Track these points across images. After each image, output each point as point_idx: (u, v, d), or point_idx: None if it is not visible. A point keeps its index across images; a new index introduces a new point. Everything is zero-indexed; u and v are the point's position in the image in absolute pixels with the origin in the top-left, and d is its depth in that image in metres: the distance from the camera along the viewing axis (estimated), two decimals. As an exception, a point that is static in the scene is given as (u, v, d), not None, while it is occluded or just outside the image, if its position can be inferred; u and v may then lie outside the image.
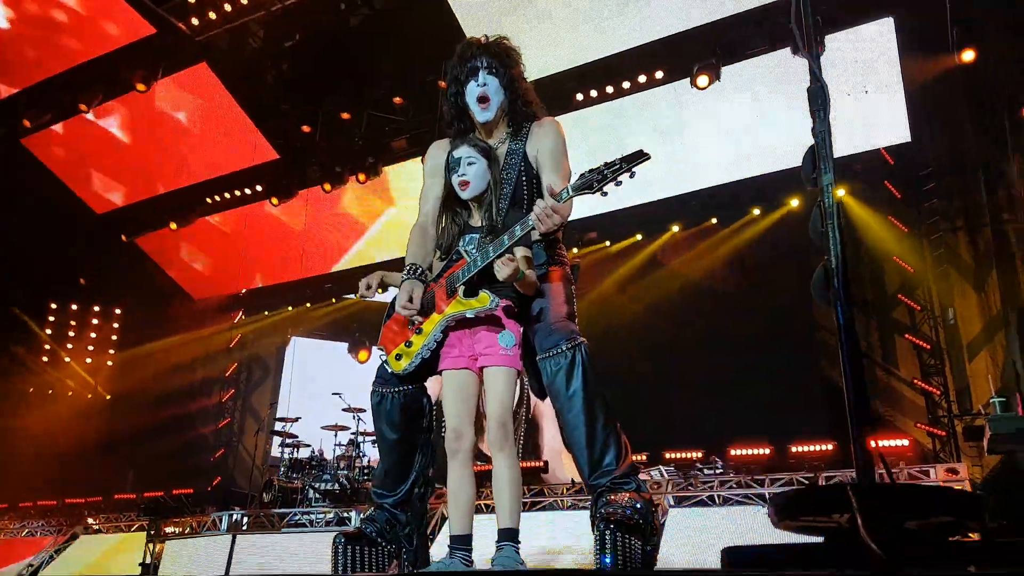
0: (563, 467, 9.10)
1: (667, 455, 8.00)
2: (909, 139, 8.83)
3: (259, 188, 11.59)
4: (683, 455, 8.21)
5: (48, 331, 13.91)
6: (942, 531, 1.86)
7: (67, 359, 13.90)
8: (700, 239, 10.56)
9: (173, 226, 12.29)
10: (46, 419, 13.18)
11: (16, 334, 13.52)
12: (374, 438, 4.62)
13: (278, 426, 10.46)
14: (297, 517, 8.19)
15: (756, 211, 10.11)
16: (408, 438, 3.17)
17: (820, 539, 1.95)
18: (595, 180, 2.64)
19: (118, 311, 14.28)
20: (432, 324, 2.95)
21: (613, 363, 9.37)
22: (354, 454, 9.26)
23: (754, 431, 8.30)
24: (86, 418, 13.43)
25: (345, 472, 9.00)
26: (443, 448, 2.97)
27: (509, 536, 2.77)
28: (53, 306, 13.96)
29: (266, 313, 14.08)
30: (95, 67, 10.33)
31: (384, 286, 3.23)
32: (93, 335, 14.11)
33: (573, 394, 2.88)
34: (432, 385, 3.16)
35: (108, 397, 13.93)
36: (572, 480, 7.78)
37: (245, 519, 8.36)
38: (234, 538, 7.79)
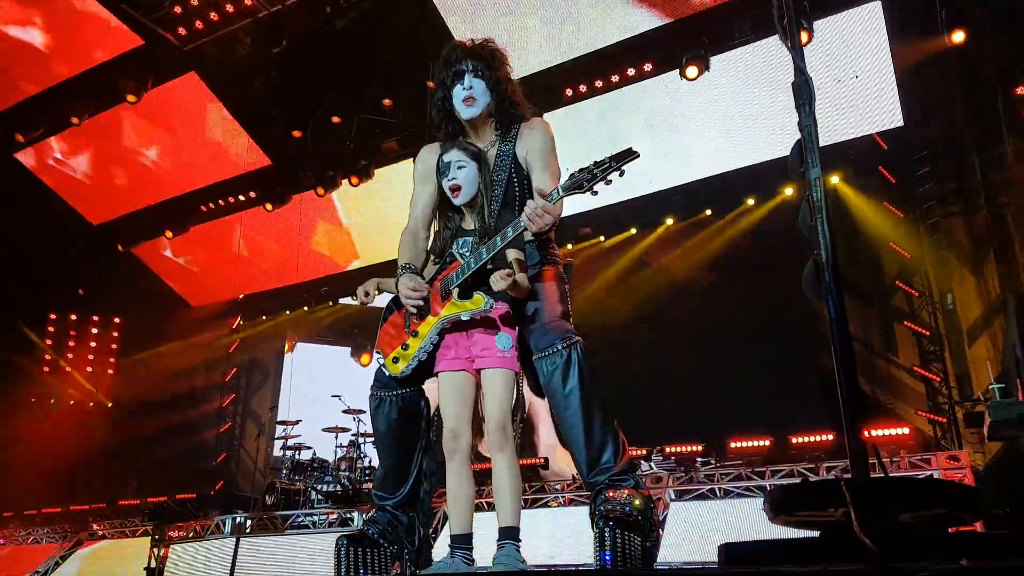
0: (559, 462, 9.13)
1: (667, 449, 8.01)
2: (902, 123, 8.80)
3: (252, 194, 11.61)
4: (683, 449, 8.21)
5: (48, 341, 13.96)
6: (937, 523, 1.87)
7: (68, 368, 13.94)
8: (695, 231, 10.56)
9: (169, 234, 12.33)
10: (49, 428, 13.22)
11: (17, 345, 13.54)
12: (374, 439, 4.62)
13: (279, 429, 10.47)
14: (300, 519, 8.20)
15: (751, 201, 10.11)
16: (407, 440, 3.19)
17: (816, 533, 1.95)
18: (585, 179, 2.64)
19: (117, 320, 14.32)
20: (428, 327, 2.96)
21: (612, 359, 9.39)
22: (355, 455, 9.27)
23: (754, 423, 8.31)
24: (88, 426, 13.48)
25: (347, 473, 9.02)
26: (442, 449, 2.98)
27: (510, 534, 2.79)
28: (53, 316, 14.01)
29: (264, 318, 14.12)
30: (85, 80, 10.33)
31: (380, 292, 3.24)
32: (93, 344, 14.15)
33: (570, 393, 2.89)
34: (431, 388, 3.17)
35: (110, 405, 13.97)
36: (572, 476, 7.80)
37: (248, 522, 8.37)
38: (238, 541, 7.83)
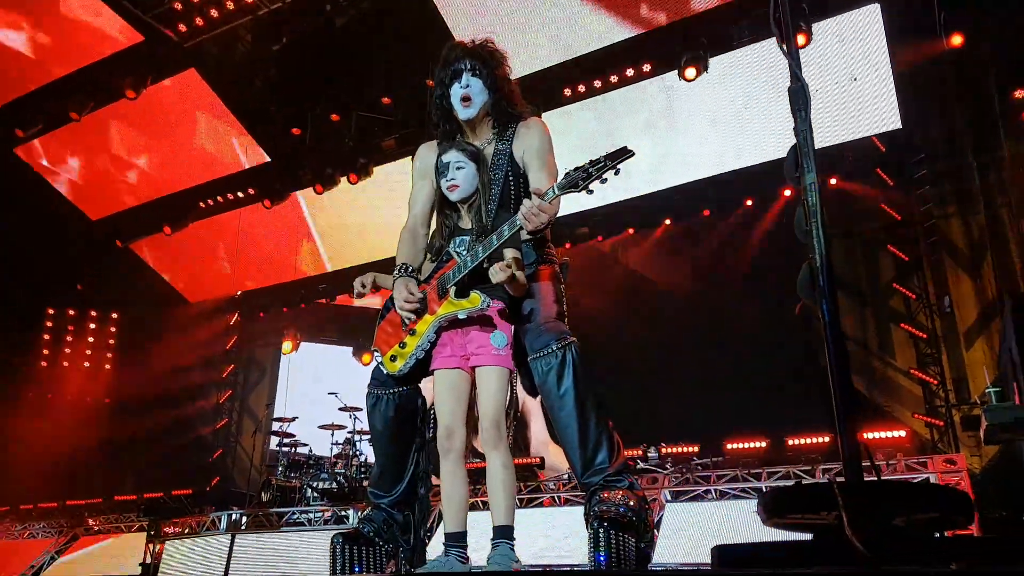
0: (552, 457, 9.15)
1: (663, 450, 8.01)
2: (900, 126, 8.81)
3: (251, 191, 11.62)
4: (680, 450, 8.21)
5: (46, 336, 13.98)
6: (930, 527, 1.87)
7: (65, 364, 13.95)
8: (694, 232, 10.57)
9: (167, 230, 12.31)
10: (46, 423, 13.23)
11: (15, 340, 13.55)
12: (370, 437, 4.62)
13: (275, 426, 10.48)
14: (295, 516, 8.21)
15: (749, 202, 10.11)
16: (403, 439, 3.20)
17: (809, 536, 1.96)
18: (580, 178, 2.65)
19: (115, 315, 14.34)
20: (425, 325, 2.97)
21: (610, 360, 9.41)
22: (351, 453, 9.28)
23: (751, 424, 8.31)
24: (85, 421, 13.46)
25: (343, 471, 9.02)
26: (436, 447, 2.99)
27: (504, 533, 2.79)
28: (51, 312, 14.03)
29: (262, 315, 14.12)
30: (85, 75, 10.33)
31: (376, 287, 3.24)
32: (91, 339, 14.17)
33: (564, 393, 2.89)
34: (427, 388, 3.18)
35: (107, 400, 13.96)
36: (566, 472, 7.81)
37: (244, 518, 8.38)
38: (233, 537, 7.83)
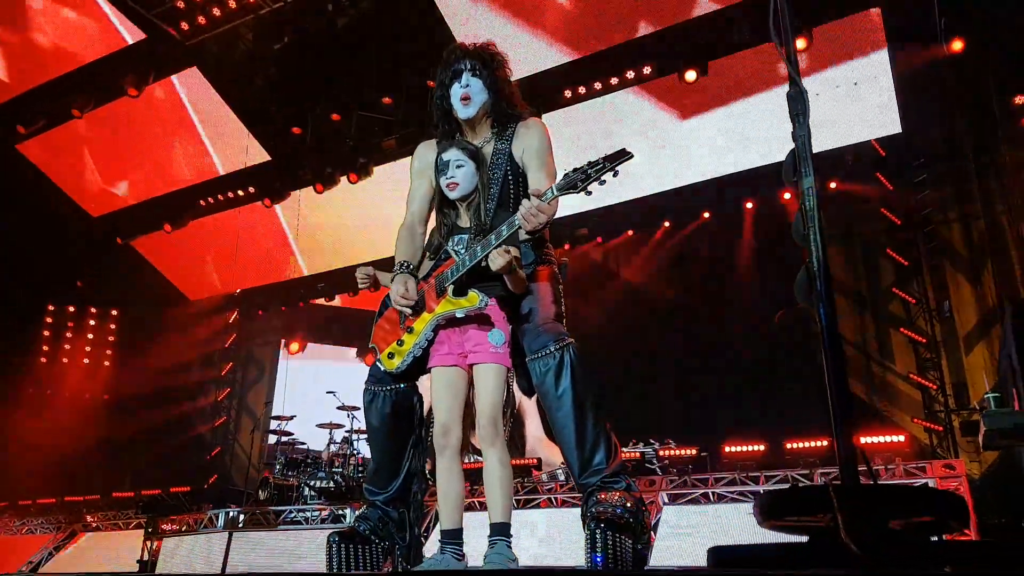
0: (544, 450, 9.15)
1: (661, 452, 8.00)
2: (900, 130, 8.83)
3: (252, 190, 11.64)
4: (678, 453, 8.19)
5: (46, 333, 14.00)
6: (925, 531, 1.88)
7: (65, 361, 13.97)
8: (691, 235, 10.57)
9: (168, 228, 12.34)
10: (45, 420, 13.24)
11: (15, 336, 13.56)
12: (367, 435, 4.63)
13: (273, 424, 10.49)
14: (293, 514, 8.20)
15: (749, 205, 10.12)
16: (399, 435, 3.20)
17: (805, 538, 1.96)
18: (579, 179, 2.66)
19: (115, 312, 14.36)
20: (423, 323, 2.97)
21: (609, 362, 9.41)
22: (348, 452, 9.28)
23: (749, 428, 8.30)
24: (84, 418, 13.48)
25: (340, 470, 9.02)
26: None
27: (501, 531, 2.79)
28: (51, 308, 14.06)
29: (260, 313, 14.13)
30: (87, 72, 10.36)
31: (376, 283, 3.24)
32: (91, 336, 14.20)
33: (562, 394, 2.90)
34: (424, 387, 3.18)
35: (106, 397, 13.98)
36: (559, 465, 7.83)
37: (241, 516, 8.38)
38: (230, 535, 7.83)
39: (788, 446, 7.83)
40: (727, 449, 8.03)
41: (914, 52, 8.33)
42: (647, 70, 9.00)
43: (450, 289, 2.90)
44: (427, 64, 3.55)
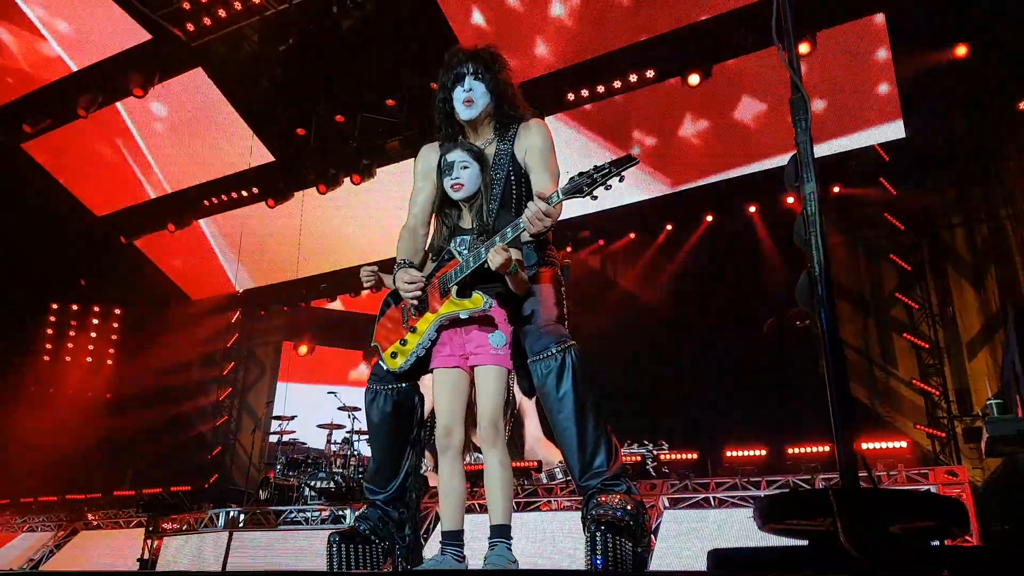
0: (542, 449, 9.16)
1: (661, 456, 8.00)
2: (904, 135, 8.81)
3: (255, 190, 11.66)
4: (679, 457, 8.20)
5: (49, 331, 14.04)
6: (926, 536, 1.88)
7: (67, 359, 13.99)
8: (694, 238, 10.56)
9: (171, 228, 12.36)
10: (47, 418, 13.27)
11: (17, 334, 13.59)
12: (367, 434, 4.63)
13: (274, 424, 10.50)
14: (293, 514, 8.21)
15: (752, 208, 10.11)
16: (400, 435, 3.20)
17: (805, 542, 1.96)
18: (585, 184, 2.65)
19: (118, 311, 14.39)
20: (426, 323, 2.98)
21: (610, 366, 9.41)
22: (349, 452, 9.29)
23: (750, 433, 8.29)
24: (86, 417, 13.51)
25: (341, 470, 9.02)
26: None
27: (501, 533, 2.80)
28: (54, 307, 14.09)
29: (263, 313, 14.14)
30: (93, 73, 10.38)
31: (380, 283, 3.25)
32: (93, 335, 14.23)
33: (563, 396, 2.90)
34: (426, 387, 3.18)
35: (108, 396, 14.01)
36: (557, 463, 7.82)
37: (242, 516, 8.38)
38: (231, 535, 7.84)
39: (790, 451, 7.83)
40: (728, 454, 8.02)
41: (918, 57, 8.33)
42: (650, 73, 9.00)
43: (454, 290, 2.90)
44: (430, 66, 3.56)
